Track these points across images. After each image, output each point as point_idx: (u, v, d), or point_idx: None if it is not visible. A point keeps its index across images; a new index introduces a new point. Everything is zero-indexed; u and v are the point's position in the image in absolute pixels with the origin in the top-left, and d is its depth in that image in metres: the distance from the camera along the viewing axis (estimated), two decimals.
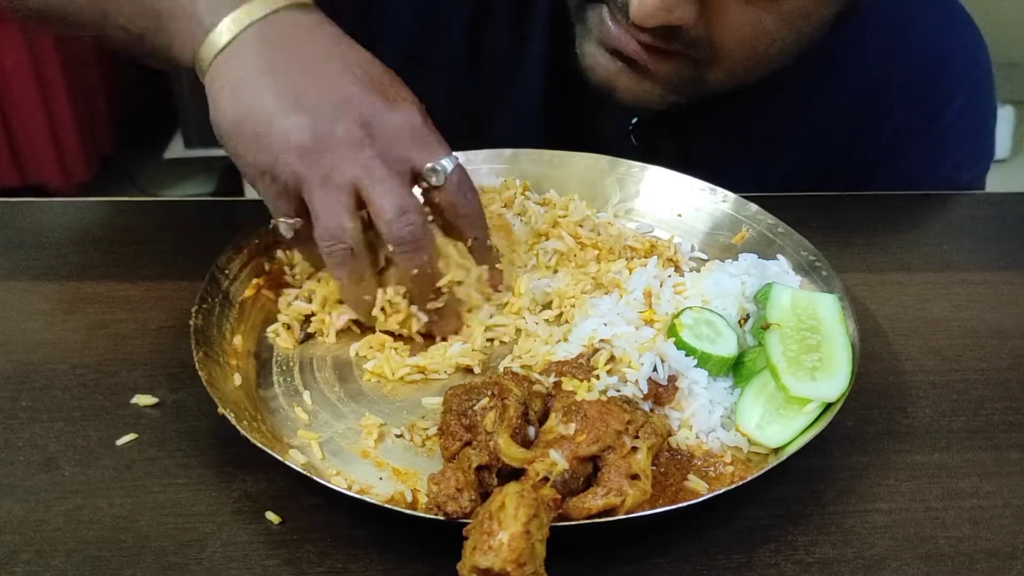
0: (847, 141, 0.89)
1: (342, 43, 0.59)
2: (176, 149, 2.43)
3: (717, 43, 0.65)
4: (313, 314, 0.63)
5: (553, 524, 0.44)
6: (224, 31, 0.57)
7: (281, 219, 0.58)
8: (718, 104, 0.75)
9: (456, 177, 0.59)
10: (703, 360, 0.56)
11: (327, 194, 0.56)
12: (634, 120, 0.85)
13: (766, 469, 0.50)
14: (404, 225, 0.56)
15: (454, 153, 0.59)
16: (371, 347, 0.61)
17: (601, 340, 0.57)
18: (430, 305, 0.60)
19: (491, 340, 0.63)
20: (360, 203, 0.57)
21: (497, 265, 0.65)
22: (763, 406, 0.55)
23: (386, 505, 0.47)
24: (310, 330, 0.63)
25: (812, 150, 0.88)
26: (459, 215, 0.60)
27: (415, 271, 0.58)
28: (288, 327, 0.63)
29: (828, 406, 0.53)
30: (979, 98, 0.92)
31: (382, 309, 0.60)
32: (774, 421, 0.54)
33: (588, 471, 0.48)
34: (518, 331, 0.63)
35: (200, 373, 0.53)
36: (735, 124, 0.86)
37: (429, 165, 0.57)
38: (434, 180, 0.58)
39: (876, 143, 0.89)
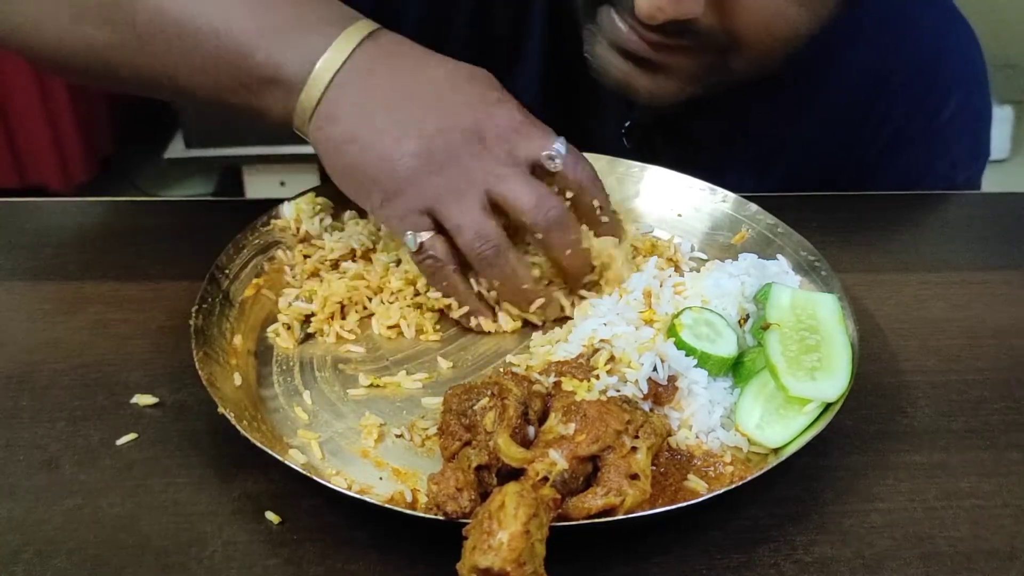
0: (846, 141, 0.89)
1: (424, 60, 0.61)
2: (176, 149, 2.43)
3: (735, 31, 0.64)
4: (313, 314, 0.63)
5: (553, 524, 0.44)
6: (313, 88, 0.58)
7: (408, 232, 0.59)
8: (714, 106, 0.74)
9: (571, 157, 0.61)
10: (703, 360, 0.56)
11: (462, 205, 0.58)
12: (627, 123, 0.85)
13: (766, 469, 0.50)
14: (548, 210, 0.59)
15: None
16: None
17: (601, 340, 0.58)
18: (588, 279, 0.64)
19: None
20: (495, 208, 0.59)
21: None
22: (763, 406, 0.55)
23: (386, 505, 0.47)
24: (310, 330, 0.63)
25: (810, 151, 0.88)
26: (583, 189, 0.62)
27: (568, 251, 0.61)
28: (288, 327, 0.63)
29: (828, 406, 0.53)
30: (975, 97, 0.91)
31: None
32: (774, 421, 0.54)
33: (588, 471, 0.48)
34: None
35: (200, 373, 0.53)
36: (731, 126, 0.86)
37: (545, 153, 0.59)
38: (553, 166, 0.60)
39: (875, 143, 0.89)
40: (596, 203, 0.63)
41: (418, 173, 0.58)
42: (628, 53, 0.67)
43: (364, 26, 0.61)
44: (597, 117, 0.85)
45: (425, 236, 0.59)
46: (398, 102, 0.59)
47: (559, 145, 0.60)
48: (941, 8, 0.89)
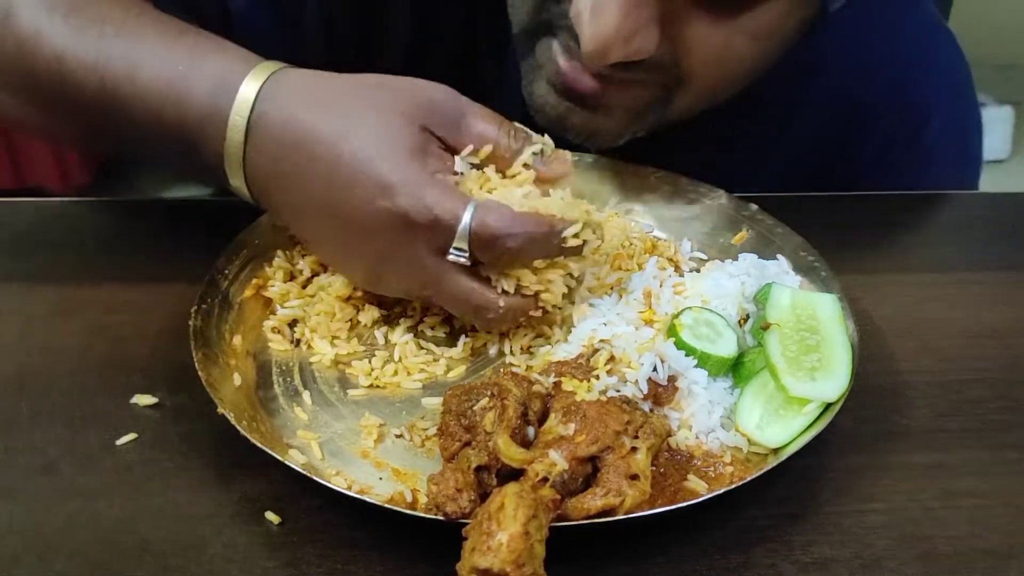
0: (828, 157, 0.87)
1: (339, 121, 0.54)
2: None
3: (684, 66, 0.60)
4: (296, 321, 0.63)
5: (552, 524, 0.44)
6: (232, 167, 0.57)
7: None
8: (694, 121, 0.72)
9: (475, 232, 0.52)
10: (703, 360, 0.56)
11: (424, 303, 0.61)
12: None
13: (765, 469, 0.50)
14: (489, 323, 0.58)
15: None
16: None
17: (601, 340, 0.58)
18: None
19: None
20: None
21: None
22: (763, 406, 0.55)
23: (386, 505, 0.47)
24: (297, 336, 0.63)
25: (792, 168, 0.86)
26: (510, 259, 0.55)
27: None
28: (279, 331, 0.63)
29: (827, 406, 0.54)
30: (960, 109, 0.90)
31: None
32: (774, 421, 0.54)
33: (587, 471, 0.48)
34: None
35: (200, 374, 0.53)
36: (712, 141, 0.82)
37: (450, 258, 0.54)
38: (461, 259, 0.54)
39: (858, 160, 0.88)
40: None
41: (365, 284, 0.60)
42: (567, 90, 0.63)
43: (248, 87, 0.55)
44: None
45: None
46: (316, 197, 0.55)
47: (462, 229, 0.52)
48: (917, 23, 0.87)
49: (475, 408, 0.50)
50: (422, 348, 0.62)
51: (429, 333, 0.64)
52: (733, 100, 0.68)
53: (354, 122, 0.53)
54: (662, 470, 0.52)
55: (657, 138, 0.76)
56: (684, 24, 0.57)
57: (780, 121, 0.85)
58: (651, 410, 0.54)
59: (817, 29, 0.65)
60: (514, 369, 0.56)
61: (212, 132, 0.55)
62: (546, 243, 0.54)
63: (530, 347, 0.62)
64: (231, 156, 0.56)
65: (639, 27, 0.55)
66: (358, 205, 0.53)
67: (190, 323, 0.57)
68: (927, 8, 0.89)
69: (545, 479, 0.46)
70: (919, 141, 0.88)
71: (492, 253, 0.53)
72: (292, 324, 0.64)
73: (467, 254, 0.53)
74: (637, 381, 0.54)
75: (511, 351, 0.62)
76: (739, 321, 0.61)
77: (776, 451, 0.53)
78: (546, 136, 0.59)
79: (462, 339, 0.62)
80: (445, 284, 0.55)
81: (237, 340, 0.61)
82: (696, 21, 0.57)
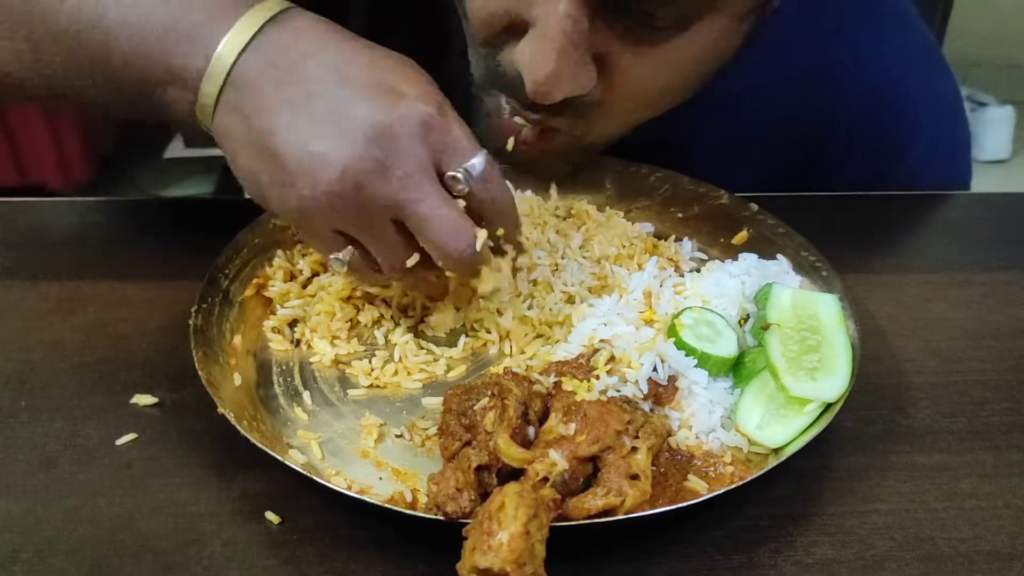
0: (807, 176, 0.86)
1: (335, 47, 0.54)
2: (176, 149, 2.44)
3: (607, 99, 0.60)
4: (296, 321, 0.63)
5: (553, 524, 0.44)
6: (211, 81, 0.53)
7: (332, 256, 0.56)
8: (656, 141, 0.72)
9: (482, 177, 0.54)
10: (703, 360, 0.56)
11: (375, 234, 0.54)
12: None
13: (766, 469, 0.50)
14: (461, 253, 0.53)
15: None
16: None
17: (601, 340, 0.57)
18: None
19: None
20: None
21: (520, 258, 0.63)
22: (763, 406, 0.55)
23: (386, 505, 0.47)
24: (297, 336, 0.63)
25: (769, 186, 0.84)
26: (489, 213, 0.56)
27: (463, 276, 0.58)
28: (278, 331, 0.63)
29: (828, 406, 0.53)
30: (945, 133, 0.89)
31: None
32: (774, 421, 0.54)
33: (588, 471, 0.48)
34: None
35: (200, 373, 0.53)
36: (673, 161, 0.79)
37: (450, 174, 0.53)
38: (457, 189, 0.54)
39: (834, 187, 0.86)
40: (500, 232, 0.58)
41: (321, 192, 0.51)
42: (516, 136, 0.64)
43: (270, 6, 0.54)
44: None
45: (347, 255, 0.56)
46: (300, 104, 0.52)
47: (477, 160, 0.54)
48: (904, 47, 0.85)
49: (475, 408, 0.50)
50: (422, 348, 0.62)
51: (429, 333, 0.64)
52: (691, 119, 0.67)
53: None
54: (663, 470, 0.52)
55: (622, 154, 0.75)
56: (612, 59, 0.58)
57: (758, 139, 0.84)
58: (651, 410, 0.54)
59: (753, 46, 0.63)
60: (514, 369, 0.56)
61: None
62: (510, 216, 0.58)
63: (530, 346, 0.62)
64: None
65: (578, 65, 0.56)
66: (385, 77, 0.53)
67: (190, 322, 0.57)
68: (918, 30, 0.87)
69: (546, 479, 0.46)
70: (904, 165, 0.87)
71: (486, 191, 0.55)
72: (292, 324, 0.64)
73: (468, 179, 0.53)
74: (637, 381, 0.54)
75: (511, 351, 0.62)
76: (739, 321, 0.61)
77: (777, 451, 0.53)
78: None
79: (462, 339, 0.62)
80: (429, 200, 0.52)
81: (237, 339, 0.61)
82: (621, 56, 0.58)
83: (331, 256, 0.56)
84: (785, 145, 0.85)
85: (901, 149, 0.86)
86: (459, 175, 0.53)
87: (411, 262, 0.55)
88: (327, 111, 0.52)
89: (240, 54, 0.53)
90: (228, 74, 0.53)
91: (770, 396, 0.55)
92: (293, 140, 0.52)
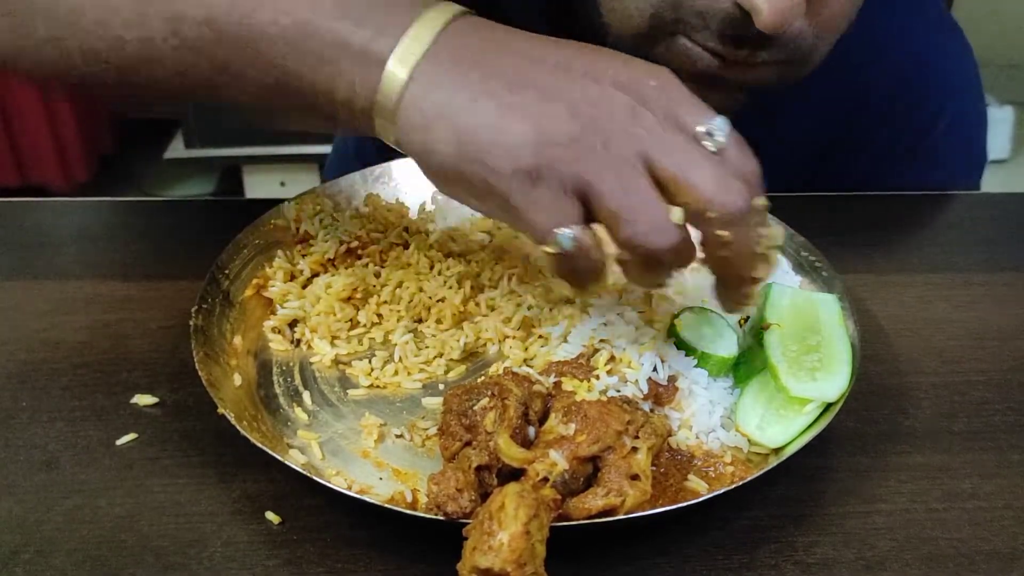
0: (834, 156, 0.87)
1: (525, 36, 0.49)
2: (176, 149, 2.44)
3: (803, 32, 0.59)
4: (296, 321, 0.63)
5: (553, 524, 0.44)
6: (397, 73, 0.47)
7: (559, 231, 0.45)
8: None
9: (735, 138, 0.47)
10: (703, 360, 0.56)
11: (623, 180, 0.44)
12: None
13: (766, 469, 0.50)
14: (734, 197, 0.45)
15: None
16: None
17: (601, 340, 0.57)
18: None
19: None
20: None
21: None
22: (763, 406, 0.55)
23: (386, 505, 0.47)
24: (297, 336, 0.63)
25: (797, 166, 0.85)
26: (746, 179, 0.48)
27: (747, 252, 0.48)
28: (278, 331, 0.63)
29: (828, 406, 0.53)
30: (969, 108, 0.90)
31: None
32: (774, 421, 0.54)
33: (588, 471, 0.48)
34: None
35: (200, 373, 0.53)
36: None
37: (703, 128, 0.46)
38: (711, 145, 0.46)
39: (862, 160, 0.87)
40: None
41: (561, 137, 0.44)
42: (698, 75, 0.61)
43: (450, 6, 0.50)
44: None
45: (577, 230, 0.45)
46: (516, 66, 0.46)
47: (720, 120, 0.47)
48: (926, 22, 0.87)
49: (476, 408, 0.50)
50: (422, 348, 0.62)
51: (429, 333, 0.63)
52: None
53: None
54: (663, 470, 0.52)
55: None
56: None
57: (786, 119, 0.85)
58: (651, 410, 0.54)
59: None
60: (515, 369, 0.56)
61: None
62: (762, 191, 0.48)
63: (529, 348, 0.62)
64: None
65: None
66: (608, 53, 0.48)
67: (191, 322, 0.57)
68: (936, 7, 0.88)
69: (546, 479, 0.46)
70: (930, 138, 0.87)
71: (739, 155, 0.47)
72: (292, 324, 0.64)
73: (726, 131, 0.46)
74: (637, 381, 0.54)
75: (510, 352, 0.62)
76: (739, 321, 0.61)
77: (777, 451, 0.53)
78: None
79: (462, 339, 0.62)
80: (686, 148, 0.45)
81: (238, 339, 0.61)
82: None
83: (559, 231, 0.45)
84: (820, 124, 0.85)
85: (932, 118, 0.87)
86: (712, 130, 0.46)
87: (677, 217, 0.45)
88: (558, 69, 0.47)
89: (438, 34, 0.47)
90: (425, 53, 0.47)
91: (770, 396, 0.55)
92: (517, 87, 0.46)
